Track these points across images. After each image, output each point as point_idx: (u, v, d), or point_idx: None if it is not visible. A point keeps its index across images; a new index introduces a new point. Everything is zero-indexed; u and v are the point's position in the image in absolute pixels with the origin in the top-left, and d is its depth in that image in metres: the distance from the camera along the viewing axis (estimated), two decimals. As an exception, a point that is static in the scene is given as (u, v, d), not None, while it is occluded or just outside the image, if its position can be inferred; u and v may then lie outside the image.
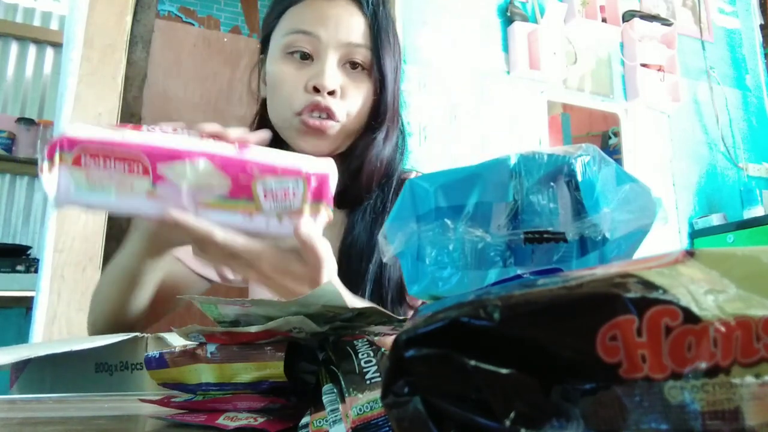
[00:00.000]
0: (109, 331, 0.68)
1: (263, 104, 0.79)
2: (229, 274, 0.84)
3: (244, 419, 0.35)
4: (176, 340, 0.55)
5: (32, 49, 2.90)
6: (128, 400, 0.50)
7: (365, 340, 0.34)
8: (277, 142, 0.73)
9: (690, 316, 0.17)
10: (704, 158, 2.63)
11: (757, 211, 2.49)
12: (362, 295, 0.70)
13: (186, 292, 0.80)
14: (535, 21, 2.36)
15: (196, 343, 0.39)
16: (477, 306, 0.17)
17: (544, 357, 0.16)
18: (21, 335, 2.09)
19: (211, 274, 0.83)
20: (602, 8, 2.51)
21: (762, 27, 2.98)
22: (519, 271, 0.29)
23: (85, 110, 1.60)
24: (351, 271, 0.70)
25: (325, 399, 0.32)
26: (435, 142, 2.11)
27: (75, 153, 0.46)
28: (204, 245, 0.51)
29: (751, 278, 0.19)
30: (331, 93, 0.70)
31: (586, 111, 2.49)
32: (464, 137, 2.18)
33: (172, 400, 0.40)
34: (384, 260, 0.35)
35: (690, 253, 0.20)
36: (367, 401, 0.28)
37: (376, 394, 0.28)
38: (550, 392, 0.16)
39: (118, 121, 1.66)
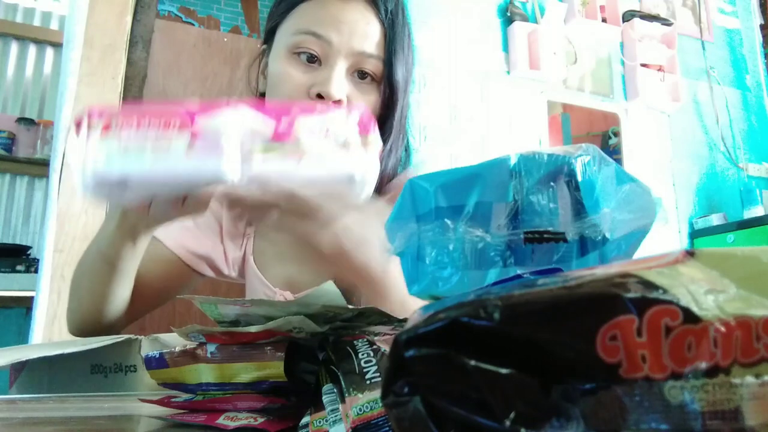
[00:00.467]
0: (88, 328, 0.66)
1: (261, 99, 0.76)
2: (225, 269, 0.82)
3: (244, 419, 0.35)
4: (171, 341, 0.55)
5: (32, 49, 2.90)
6: (128, 400, 0.50)
7: (365, 340, 0.34)
8: None
9: (690, 316, 0.17)
10: (704, 158, 2.64)
11: (757, 211, 2.49)
12: (357, 302, 0.69)
13: (178, 287, 0.79)
14: (535, 21, 2.36)
15: (196, 343, 0.39)
16: (477, 306, 0.17)
17: (544, 357, 0.16)
18: (21, 335, 2.09)
19: (205, 269, 0.80)
20: (602, 8, 2.51)
21: (762, 27, 2.98)
22: (519, 271, 0.29)
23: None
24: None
25: (325, 399, 0.32)
26: (435, 142, 2.11)
27: (105, 119, 0.42)
28: (263, 211, 0.48)
29: (751, 278, 0.19)
30: (336, 102, 0.66)
31: (586, 111, 2.49)
32: (464, 137, 2.18)
33: (172, 400, 0.40)
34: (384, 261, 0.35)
35: (690, 253, 0.20)
36: (367, 401, 0.28)
37: (376, 394, 0.28)
38: (550, 392, 0.16)
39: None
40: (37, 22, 2.93)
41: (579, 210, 0.30)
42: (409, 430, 0.17)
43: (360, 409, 0.28)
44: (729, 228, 2.34)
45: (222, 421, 0.35)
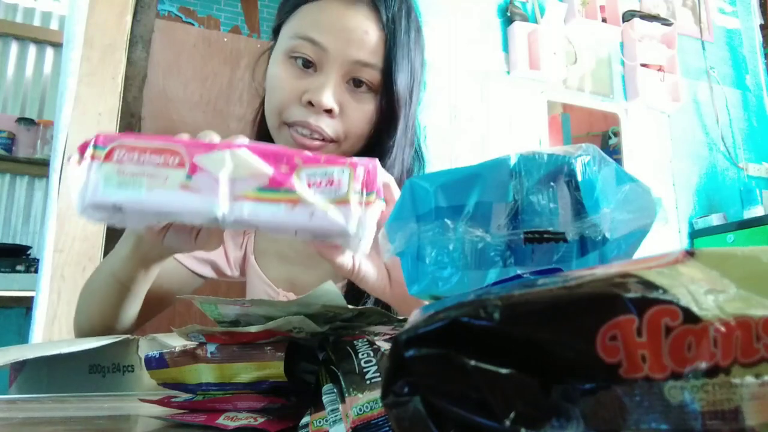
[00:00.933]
0: (94, 336, 0.67)
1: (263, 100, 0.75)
2: (228, 270, 0.82)
3: (244, 419, 0.35)
4: (169, 341, 0.56)
5: (32, 49, 2.90)
6: (128, 400, 0.50)
7: (365, 340, 0.34)
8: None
9: (690, 316, 0.17)
10: (704, 158, 2.64)
11: (757, 211, 2.49)
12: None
13: (178, 289, 0.79)
14: (535, 21, 2.36)
15: (196, 343, 0.39)
16: (477, 306, 0.17)
17: (544, 357, 0.16)
18: (21, 335, 2.09)
19: (208, 271, 0.80)
20: (602, 8, 2.51)
21: (762, 27, 2.98)
22: (519, 271, 0.29)
23: (85, 110, 1.60)
24: (355, 289, 0.69)
25: (325, 399, 0.32)
26: (435, 142, 2.11)
27: (109, 147, 0.43)
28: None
29: (751, 278, 0.19)
30: (327, 111, 0.65)
31: (586, 111, 2.49)
32: (464, 137, 2.18)
33: (172, 400, 0.40)
34: (384, 260, 0.35)
35: (690, 253, 0.20)
36: (367, 401, 0.28)
37: (376, 394, 0.28)
38: (550, 392, 0.16)
39: (118, 121, 1.66)
40: (37, 22, 2.93)
41: (579, 210, 0.30)
42: (409, 430, 0.17)
43: (360, 409, 0.28)
44: (729, 228, 2.34)
45: (222, 421, 0.35)
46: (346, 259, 0.51)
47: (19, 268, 2.24)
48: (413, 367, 0.17)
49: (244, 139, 0.48)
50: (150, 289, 0.69)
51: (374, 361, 0.31)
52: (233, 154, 0.44)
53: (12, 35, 2.85)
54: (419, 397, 0.17)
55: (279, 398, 0.36)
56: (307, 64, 0.66)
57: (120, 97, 1.67)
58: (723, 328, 0.17)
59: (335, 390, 0.32)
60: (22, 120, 2.75)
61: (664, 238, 2.37)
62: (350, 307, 0.35)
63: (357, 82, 0.67)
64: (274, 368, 0.34)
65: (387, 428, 0.27)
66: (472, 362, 0.16)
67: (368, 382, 0.29)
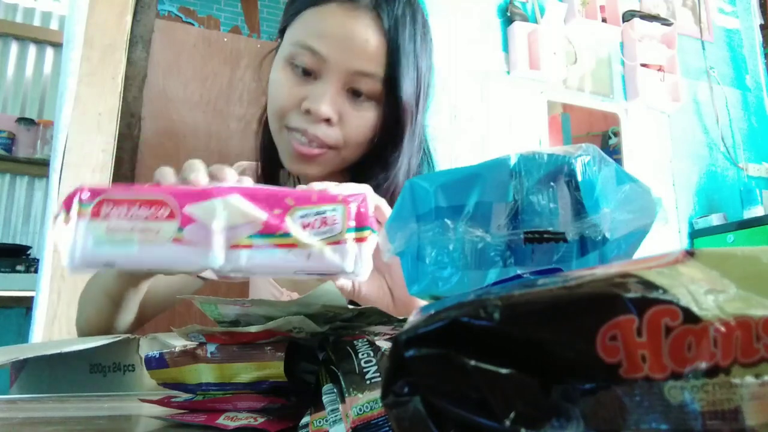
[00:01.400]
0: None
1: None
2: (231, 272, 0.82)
3: (244, 419, 0.35)
4: (170, 340, 0.56)
5: (32, 49, 2.91)
6: (128, 400, 0.50)
7: (365, 340, 0.34)
8: (272, 144, 0.72)
9: (690, 316, 0.17)
10: (704, 158, 2.64)
11: (757, 211, 2.49)
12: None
13: (178, 291, 0.79)
14: (535, 21, 2.36)
15: (196, 343, 0.39)
16: (477, 306, 0.17)
17: (544, 357, 0.16)
18: (21, 335, 2.09)
19: (210, 273, 0.81)
20: (602, 8, 2.51)
21: (762, 27, 2.98)
22: (519, 271, 0.29)
23: (85, 110, 1.60)
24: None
25: (325, 399, 0.32)
26: (435, 142, 2.11)
27: (95, 202, 0.42)
28: None
29: (751, 278, 0.19)
30: (326, 120, 0.64)
31: (586, 111, 2.49)
32: (464, 137, 2.18)
33: (172, 400, 0.40)
34: (384, 260, 0.35)
35: (690, 253, 0.20)
36: (367, 401, 0.28)
37: (376, 394, 0.28)
38: (550, 392, 0.16)
39: (118, 121, 1.66)
40: (37, 22, 2.93)
41: (579, 210, 0.30)
42: (409, 430, 0.17)
43: (360, 409, 0.28)
44: (729, 228, 2.34)
45: (222, 421, 0.35)
46: (346, 283, 0.51)
47: (19, 268, 2.24)
48: (413, 367, 0.17)
49: (232, 176, 0.47)
50: (150, 291, 0.69)
51: (374, 361, 0.31)
52: (225, 202, 0.43)
53: (12, 35, 2.85)
54: (419, 397, 0.17)
55: (279, 398, 0.36)
56: (307, 72, 0.65)
57: (120, 97, 1.67)
58: (723, 328, 0.17)
59: (335, 390, 0.32)
60: (22, 120, 2.75)
61: (664, 238, 2.37)
62: (350, 307, 0.35)
63: (357, 92, 0.66)
64: (274, 368, 0.34)
65: (387, 428, 0.27)
66: (472, 362, 0.16)
67: (368, 382, 0.29)
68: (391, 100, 0.66)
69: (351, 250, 0.44)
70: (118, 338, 0.55)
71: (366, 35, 0.64)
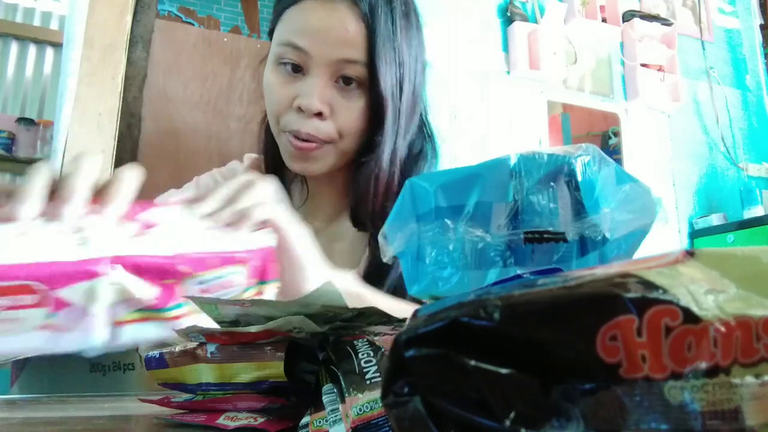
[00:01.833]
0: None
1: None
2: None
3: (244, 419, 0.35)
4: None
5: (32, 49, 2.91)
6: (128, 400, 0.50)
7: (365, 340, 0.34)
8: (274, 145, 0.73)
9: (690, 316, 0.17)
10: (704, 158, 2.64)
11: (757, 211, 2.49)
12: None
13: None
14: (535, 21, 2.36)
15: (196, 343, 0.39)
16: (477, 306, 0.17)
17: (544, 357, 0.16)
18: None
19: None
20: (602, 8, 2.52)
21: (762, 27, 2.98)
22: (519, 271, 0.29)
23: (85, 110, 1.60)
24: (371, 277, 0.68)
25: (325, 399, 0.32)
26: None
27: None
28: None
29: (751, 278, 0.19)
30: (318, 115, 0.65)
31: (586, 111, 2.49)
32: (464, 137, 2.18)
33: (172, 400, 0.40)
34: (384, 260, 0.35)
35: (690, 253, 0.20)
36: (367, 401, 0.28)
37: (376, 394, 0.28)
38: (550, 392, 0.16)
39: (117, 121, 1.66)
40: (37, 22, 2.93)
41: (579, 210, 0.30)
42: (409, 430, 0.17)
43: (360, 409, 0.28)
44: (729, 228, 2.35)
45: (222, 421, 0.35)
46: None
47: (19, 268, 2.23)
48: (413, 367, 0.17)
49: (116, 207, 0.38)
50: None
51: (374, 361, 0.31)
52: (107, 281, 0.37)
53: (12, 35, 2.85)
54: (419, 397, 0.17)
55: (279, 398, 0.36)
56: (296, 69, 0.67)
57: (120, 97, 1.67)
58: (723, 328, 0.17)
59: (335, 390, 0.31)
60: (22, 120, 2.75)
61: (664, 238, 2.37)
62: (350, 307, 0.35)
63: (346, 80, 0.66)
64: (274, 368, 0.34)
65: (387, 428, 0.27)
66: (472, 362, 0.16)
67: (368, 382, 0.29)
68: (374, 84, 0.66)
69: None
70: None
71: (344, 23, 0.65)
